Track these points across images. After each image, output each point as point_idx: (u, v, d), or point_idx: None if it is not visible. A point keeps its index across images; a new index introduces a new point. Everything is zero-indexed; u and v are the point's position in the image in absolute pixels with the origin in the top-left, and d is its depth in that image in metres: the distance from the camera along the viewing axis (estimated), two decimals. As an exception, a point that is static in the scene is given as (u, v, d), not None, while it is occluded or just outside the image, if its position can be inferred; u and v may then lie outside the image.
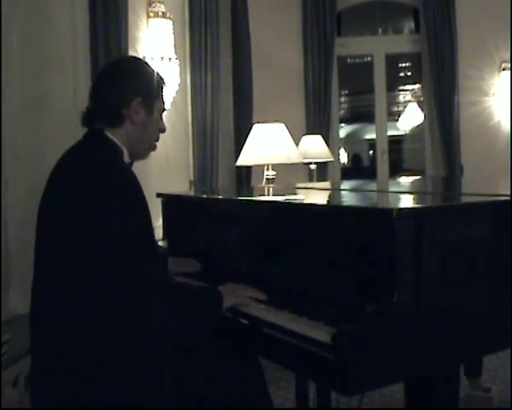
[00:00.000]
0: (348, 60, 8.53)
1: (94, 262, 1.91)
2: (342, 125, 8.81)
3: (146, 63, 2.35)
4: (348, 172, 9.02)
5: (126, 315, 1.93)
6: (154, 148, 2.31)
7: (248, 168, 6.05)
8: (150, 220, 2.04)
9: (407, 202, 2.59)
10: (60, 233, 1.97)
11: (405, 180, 5.05)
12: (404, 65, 9.84)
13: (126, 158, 2.17)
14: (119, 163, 2.11)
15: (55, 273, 1.97)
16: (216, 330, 2.20)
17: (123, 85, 2.15)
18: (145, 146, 2.25)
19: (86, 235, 1.91)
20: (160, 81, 2.27)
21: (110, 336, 1.94)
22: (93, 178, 1.98)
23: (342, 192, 3.35)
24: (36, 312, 2.05)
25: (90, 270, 1.91)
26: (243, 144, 4.34)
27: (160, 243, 3.11)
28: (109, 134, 2.13)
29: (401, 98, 9.63)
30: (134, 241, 1.94)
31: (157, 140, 2.31)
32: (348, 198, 3.01)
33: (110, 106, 2.14)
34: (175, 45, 4.80)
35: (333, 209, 2.36)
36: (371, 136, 8.42)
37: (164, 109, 2.31)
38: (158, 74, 2.29)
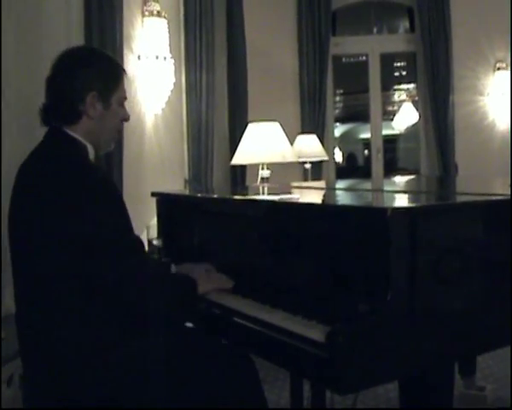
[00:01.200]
0: (343, 59, 8.54)
1: (71, 257, 1.91)
2: (337, 124, 8.83)
3: (101, 52, 2.30)
4: (343, 172, 9.03)
5: (106, 306, 1.94)
6: (115, 139, 2.29)
7: (243, 167, 6.05)
8: (122, 211, 2.03)
9: (402, 201, 2.59)
10: (34, 236, 1.96)
11: (400, 179, 5.05)
12: (398, 64, 9.85)
13: (91, 152, 2.15)
14: (83, 159, 2.09)
15: (35, 275, 1.97)
16: (208, 328, 2.21)
17: (76, 80, 2.09)
18: (106, 139, 2.21)
19: (60, 233, 1.91)
20: (118, 71, 2.22)
21: (95, 331, 1.94)
22: (59, 176, 1.97)
23: (337, 191, 3.35)
24: (20, 314, 2.05)
25: (68, 265, 1.91)
26: (238, 143, 4.34)
27: (155, 242, 3.11)
28: (69, 131, 2.10)
29: (396, 98, 9.64)
30: (107, 231, 1.95)
31: (119, 130, 2.30)
32: (343, 197, 3.01)
33: (65, 103, 2.10)
34: (170, 44, 4.80)
35: (327, 208, 2.36)
36: (366, 135, 8.44)
37: (125, 98, 2.25)
38: (116, 63, 2.26)
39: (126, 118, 2.28)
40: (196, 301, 2.20)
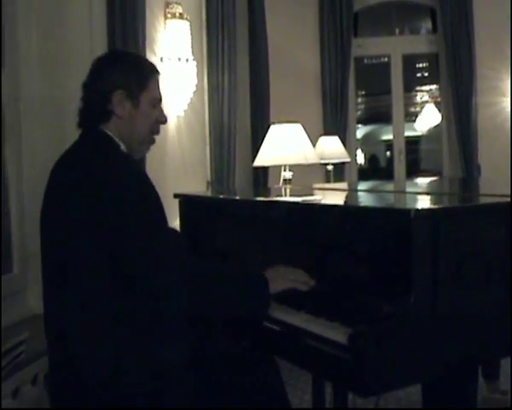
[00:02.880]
0: (365, 60, 8.52)
1: (109, 253, 1.90)
2: (359, 125, 8.79)
3: (128, 53, 2.32)
4: (365, 173, 9.00)
5: (147, 306, 1.92)
6: (150, 141, 2.25)
7: (265, 169, 6.05)
8: (162, 208, 2.02)
9: (425, 202, 2.58)
10: (70, 231, 1.95)
11: (422, 181, 5.03)
12: (421, 65, 9.80)
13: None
14: (118, 153, 2.10)
15: (67, 271, 1.96)
16: (232, 330, 2.19)
17: (102, 80, 2.12)
18: (138, 140, 2.18)
19: (100, 227, 1.90)
20: (147, 70, 2.20)
21: (129, 331, 1.93)
22: (98, 170, 1.97)
23: (359, 193, 3.35)
24: (50, 311, 2.06)
25: (106, 262, 1.90)
26: (260, 145, 4.33)
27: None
28: (103, 128, 2.12)
29: (418, 99, 9.59)
30: (150, 223, 1.94)
31: (157, 133, 2.25)
32: (365, 199, 3.00)
33: (94, 103, 2.12)
34: (192, 46, 4.81)
35: (350, 210, 2.36)
36: (388, 136, 8.40)
37: (159, 99, 2.23)
38: (145, 63, 2.25)
39: (162, 120, 2.24)
40: (268, 299, 2.08)
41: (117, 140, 2.12)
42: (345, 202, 2.95)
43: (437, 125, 8.03)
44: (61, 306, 2.00)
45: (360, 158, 8.87)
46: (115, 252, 1.90)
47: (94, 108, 2.13)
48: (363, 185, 4.61)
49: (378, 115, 9.69)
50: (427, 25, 7.93)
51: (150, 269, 1.90)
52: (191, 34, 4.79)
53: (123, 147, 2.14)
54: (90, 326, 1.93)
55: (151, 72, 2.21)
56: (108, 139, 2.11)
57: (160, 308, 1.94)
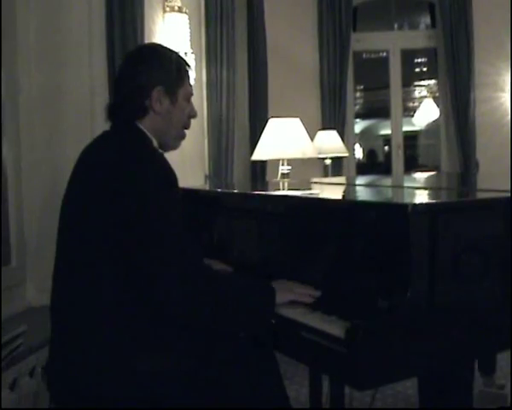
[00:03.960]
0: (364, 55, 8.53)
1: (129, 248, 1.88)
2: (357, 120, 8.81)
3: (166, 48, 2.27)
4: (363, 168, 9.02)
5: (159, 305, 1.90)
6: (183, 136, 2.26)
7: (263, 163, 6.06)
8: (180, 208, 2.01)
9: (422, 197, 2.58)
10: (89, 220, 1.95)
11: (420, 176, 5.03)
12: (419, 60, 9.82)
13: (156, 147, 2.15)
14: (150, 148, 2.09)
15: (82, 260, 1.95)
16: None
17: (141, 75, 2.10)
18: (173, 135, 2.20)
19: (123, 219, 1.89)
20: (183, 66, 2.20)
21: (136, 326, 1.93)
22: (128, 162, 1.96)
23: (357, 187, 3.35)
24: (59, 301, 2.04)
25: (124, 256, 1.89)
26: (258, 139, 4.35)
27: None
28: (138, 124, 2.11)
29: (416, 94, 9.61)
30: (174, 226, 1.94)
31: (187, 127, 2.26)
32: (363, 193, 3.00)
33: (131, 98, 2.10)
34: (191, 40, 4.80)
35: (348, 204, 2.36)
36: (386, 131, 8.42)
37: (191, 94, 2.24)
38: (180, 58, 2.23)
39: (193, 114, 2.25)
40: (273, 310, 2.03)
41: (150, 135, 2.12)
42: (342, 196, 2.96)
43: (435, 121, 8.05)
44: (69, 295, 1.99)
45: (358, 153, 8.90)
46: (130, 250, 1.89)
47: (130, 104, 2.11)
48: (361, 180, 4.61)
49: (376, 110, 9.71)
50: (425, 20, 7.94)
51: (161, 278, 1.87)
52: (190, 28, 4.79)
53: (155, 143, 2.14)
54: (95, 318, 1.93)
55: (186, 67, 2.22)
56: (143, 135, 2.10)
57: (169, 311, 1.91)
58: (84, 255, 1.95)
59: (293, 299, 2.05)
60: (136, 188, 1.91)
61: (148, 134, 2.11)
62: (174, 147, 2.26)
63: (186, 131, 2.27)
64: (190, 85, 2.23)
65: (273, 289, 2.04)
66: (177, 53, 2.28)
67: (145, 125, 2.11)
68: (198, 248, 2.07)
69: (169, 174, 2.01)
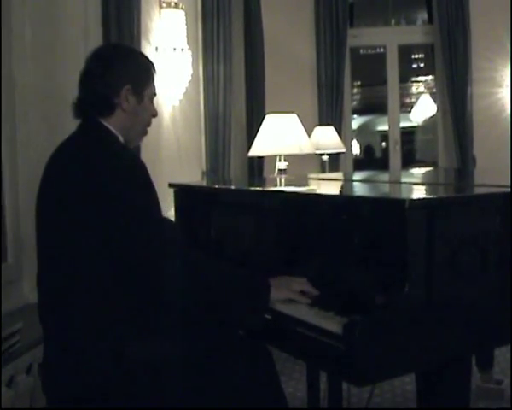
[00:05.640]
0: (361, 51, 8.53)
1: (106, 240, 1.92)
2: (354, 116, 8.82)
3: (134, 49, 2.35)
4: (360, 164, 9.02)
5: (145, 295, 1.94)
6: (145, 133, 2.31)
7: (260, 159, 6.05)
8: (155, 196, 2.04)
9: (419, 192, 2.58)
10: (67, 217, 1.97)
11: (418, 171, 5.03)
12: (416, 56, 9.83)
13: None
14: (116, 145, 2.12)
15: (62, 259, 1.98)
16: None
17: (112, 74, 2.14)
18: (137, 132, 2.25)
19: (92, 216, 1.92)
20: (150, 67, 2.26)
21: (124, 318, 1.95)
22: (96, 159, 2.00)
23: (354, 183, 3.35)
24: (45, 300, 2.07)
25: (103, 249, 1.92)
26: (255, 135, 4.34)
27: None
28: (103, 121, 2.13)
29: (414, 89, 9.62)
30: (152, 215, 1.97)
31: (149, 125, 2.30)
32: (360, 189, 3.00)
33: (100, 95, 2.13)
34: (187, 36, 4.80)
35: (345, 200, 2.36)
36: (384, 127, 8.41)
37: (155, 95, 2.30)
38: (148, 60, 2.29)
39: (155, 114, 2.31)
40: (266, 307, 2.03)
41: (115, 132, 2.14)
42: (340, 192, 2.95)
43: (432, 116, 8.05)
44: (55, 293, 2.02)
45: (355, 148, 8.89)
46: (113, 240, 1.92)
47: (98, 100, 2.14)
48: (358, 176, 4.61)
49: (373, 106, 9.72)
50: (423, 15, 7.94)
51: (148, 260, 1.93)
52: (186, 24, 4.79)
53: (121, 138, 2.17)
54: (83, 314, 1.95)
55: (152, 68, 2.28)
56: (108, 132, 2.13)
57: (155, 298, 1.95)
58: (65, 255, 1.98)
59: (289, 297, 2.05)
60: (109, 185, 1.95)
61: (115, 132, 2.15)
62: (136, 143, 2.35)
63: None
64: (154, 87, 2.29)
65: (268, 285, 2.04)
66: (145, 55, 2.36)
67: (112, 123, 2.14)
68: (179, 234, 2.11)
69: (140, 169, 2.03)
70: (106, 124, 2.13)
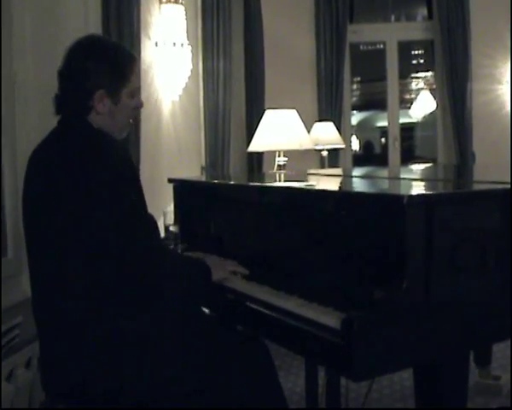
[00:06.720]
0: (360, 47, 8.52)
1: (87, 236, 1.94)
2: (354, 112, 8.81)
3: (111, 46, 2.25)
4: (360, 160, 9.03)
5: (123, 286, 1.97)
6: (128, 127, 2.30)
7: (260, 154, 6.05)
8: (138, 190, 2.06)
9: (418, 188, 2.59)
10: (50, 215, 1.99)
11: (417, 167, 5.04)
12: (416, 52, 9.82)
13: None
14: (98, 140, 2.09)
15: (51, 257, 2.00)
16: (224, 314, 2.21)
17: (85, 77, 2.09)
18: (117, 130, 2.20)
19: (76, 212, 1.94)
20: (127, 65, 2.18)
21: (111, 311, 1.98)
22: (75, 155, 2.00)
23: (354, 179, 3.35)
24: (36, 296, 2.09)
25: (84, 246, 1.94)
26: (255, 130, 4.35)
27: (172, 229, 3.12)
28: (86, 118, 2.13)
29: (413, 86, 9.61)
30: (125, 211, 1.99)
31: (132, 118, 2.29)
32: (360, 185, 3.01)
33: (74, 97, 2.12)
34: (187, 31, 4.80)
35: (344, 195, 2.36)
36: (383, 123, 8.40)
37: (137, 87, 2.24)
38: (127, 54, 2.22)
39: (139, 106, 2.28)
40: (210, 286, 2.21)
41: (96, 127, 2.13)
42: (339, 187, 2.96)
43: (432, 113, 8.04)
44: (46, 291, 2.04)
45: (355, 144, 8.89)
46: (99, 235, 1.95)
47: (73, 101, 2.13)
48: (357, 171, 4.61)
49: (373, 102, 9.72)
50: (422, 11, 7.93)
51: (129, 252, 1.99)
52: (186, 19, 4.78)
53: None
54: (73, 308, 1.97)
55: (131, 64, 2.20)
56: (89, 127, 2.12)
57: (139, 288, 2.02)
58: (52, 250, 2.00)
59: (226, 276, 2.25)
60: (85, 180, 1.96)
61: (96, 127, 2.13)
62: (121, 136, 2.28)
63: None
64: (138, 79, 2.24)
65: (208, 267, 2.21)
66: (124, 49, 2.27)
67: (91, 120, 2.12)
68: (154, 225, 2.18)
69: (117, 161, 2.03)
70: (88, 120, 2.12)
